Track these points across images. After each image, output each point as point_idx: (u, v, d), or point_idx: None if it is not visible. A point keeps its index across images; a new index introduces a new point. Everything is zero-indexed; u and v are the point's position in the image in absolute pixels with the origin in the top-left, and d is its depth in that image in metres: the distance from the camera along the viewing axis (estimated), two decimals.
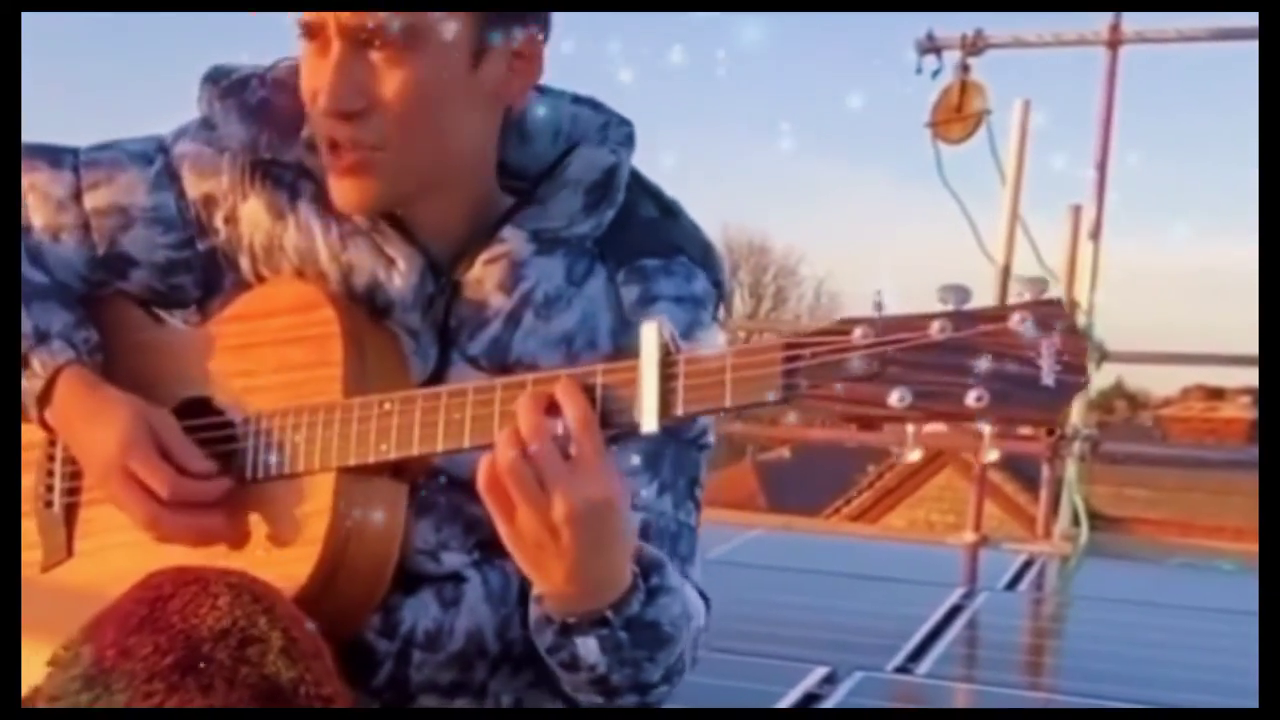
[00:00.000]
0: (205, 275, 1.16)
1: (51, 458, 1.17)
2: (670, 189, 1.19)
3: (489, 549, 1.11)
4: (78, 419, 1.09)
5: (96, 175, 1.16)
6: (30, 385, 1.09)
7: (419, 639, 1.07)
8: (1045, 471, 5.36)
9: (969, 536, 4.95)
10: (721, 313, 1.16)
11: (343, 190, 1.06)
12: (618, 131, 1.15)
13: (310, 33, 1.02)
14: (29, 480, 1.18)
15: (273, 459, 1.05)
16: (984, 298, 0.87)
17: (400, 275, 1.09)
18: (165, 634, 0.89)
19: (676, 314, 1.11)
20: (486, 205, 1.13)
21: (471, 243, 1.11)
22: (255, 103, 1.12)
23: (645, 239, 1.14)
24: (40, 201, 1.17)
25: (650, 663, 1.01)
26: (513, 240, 1.10)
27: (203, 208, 1.15)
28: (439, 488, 1.08)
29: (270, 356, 1.09)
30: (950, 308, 0.86)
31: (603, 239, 1.13)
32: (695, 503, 1.15)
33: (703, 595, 1.13)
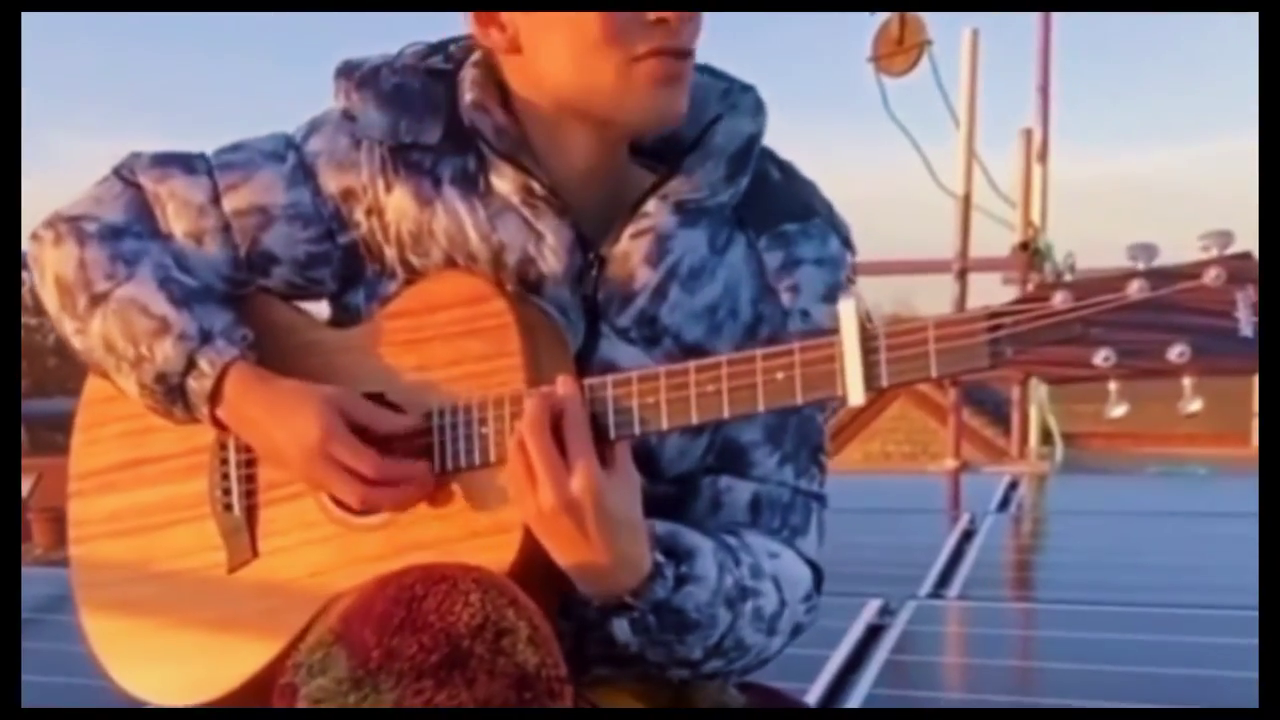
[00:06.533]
0: (344, 268, 1.18)
1: (224, 460, 1.18)
2: None
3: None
4: (258, 412, 1.10)
5: (233, 177, 1.17)
6: (200, 385, 1.11)
7: (591, 616, 1.09)
8: (1017, 393, 5.52)
9: (950, 463, 5.08)
10: (852, 270, 1.20)
11: (669, 97, 1.09)
12: (744, 98, 1.17)
13: None
14: (200, 484, 1.19)
15: (462, 451, 1.08)
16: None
17: (550, 250, 1.11)
18: (427, 633, 0.92)
19: (818, 276, 1.15)
20: (623, 175, 1.16)
21: (615, 215, 1.13)
22: (390, 89, 1.14)
23: (780, 202, 1.17)
24: (180, 208, 1.17)
25: (680, 644, 1.06)
26: (658, 213, 1.12)
27: (341, 202, 1.16)
28: None
29: (443, 350, 1.10)
30: (1142, 266, 0.90)
31: (740, 205, 1.16)
32: (819, 467, 1.20)
33: (813, 565, 1.17)
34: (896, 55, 6.13)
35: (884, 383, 0.96)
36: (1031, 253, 5.70)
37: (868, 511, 3.79)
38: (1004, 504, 4.23)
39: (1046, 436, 5.75)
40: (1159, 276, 0.90)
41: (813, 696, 1.91)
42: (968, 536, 3.39)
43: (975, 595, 2.69)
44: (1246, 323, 0.88)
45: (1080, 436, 7.61)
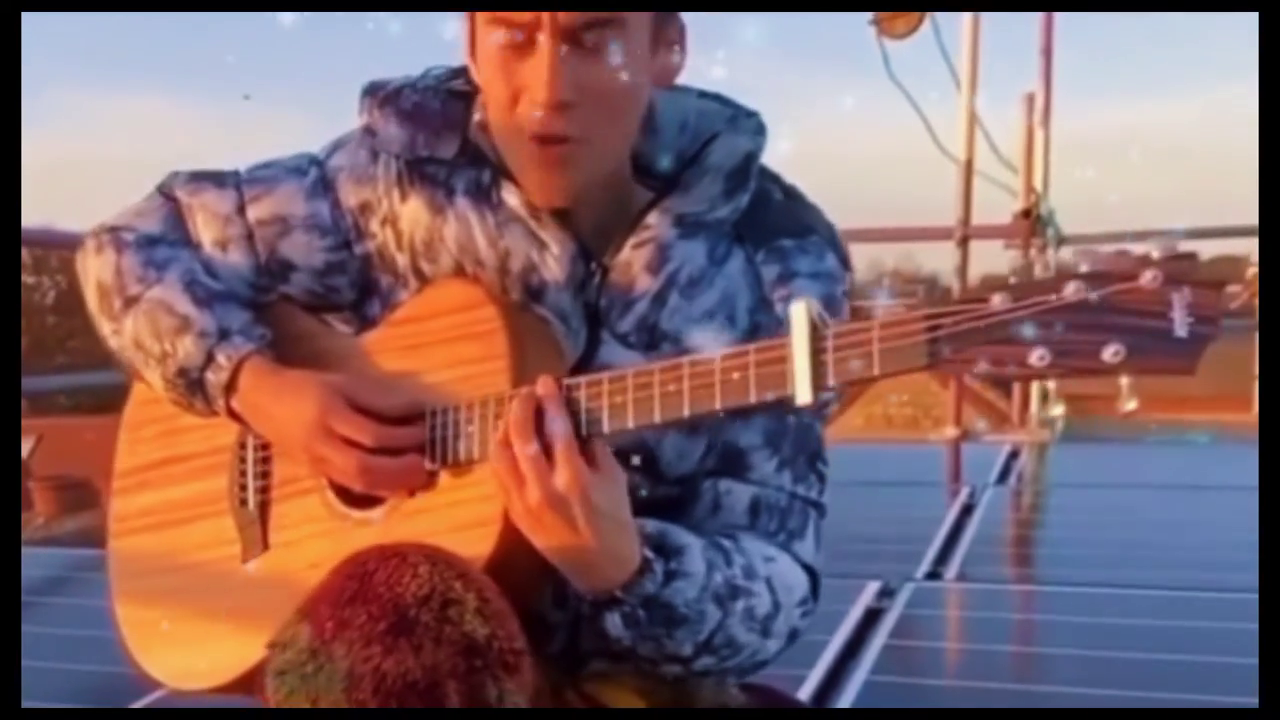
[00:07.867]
0: (360, 278, 1.24)
1: (243, 459, 1.26)
2: None
3: (640, 514, 1.18)
4: (267, 400, 1.17)
5: (257, 190, 1.25)
6: (217, 378, 1.18)
7: (586, 610, 1.12)
8: None
9: (950, 432, 5.10)
10: (849, 286, 1.24)
11: (547, 182, 1.12)
12: (748, 122, 1.22)
13: (515, 30, 1.07)
14: (222, 482, 1.27)
15: (450, 449, 1.13)
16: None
17: (554, 259, 1.16)
18: (376, 603, 0.96)
19: (813, 289, 1.18)
20: (626, 193, 1.20)
21: (617, 228, 1.18)
22: (409, 107, 1.20)
23: (780, 220, 1.21)
24: (209, 218, 1.26)
25: (669, 639, 1.10)
26: (658, 225, 1.17)
27: (359, 215, 1.22)
28: None
29: (441, 354, 1.16)
30: (1084, 269, 0.92)
31: (739, 222, 1.20)
32: (818, 474, 1.23)
33: (809, 569, 1.21)
34: (898, 17, 6.11)
35: (830, 382, 0.98)
36: (1033, 219, 5.70)
37: (867, 484, 3.81)
38: (1004, 475, 4.24)
39: (1048, 402, 5.76)
40: (1097, 278, 0.92)
41: (811, 683, 1.92)
42: (967, 511, 3.41)
43: (974, 576, 2.71)
44: (1181, 324, 0.90)
45: (1083, 399, 7.61)
